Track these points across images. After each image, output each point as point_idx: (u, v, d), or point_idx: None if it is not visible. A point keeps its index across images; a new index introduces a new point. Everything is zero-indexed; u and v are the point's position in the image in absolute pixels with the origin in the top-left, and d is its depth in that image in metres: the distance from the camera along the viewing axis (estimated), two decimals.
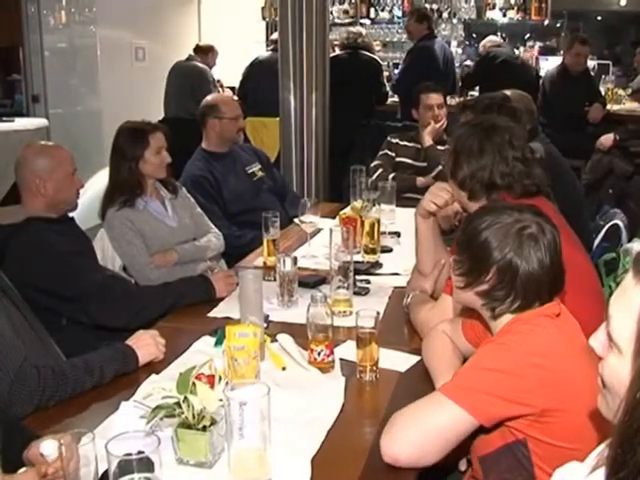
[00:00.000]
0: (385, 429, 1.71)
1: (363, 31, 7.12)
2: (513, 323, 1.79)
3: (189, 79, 7.37)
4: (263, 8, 8.72)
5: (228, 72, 8.08)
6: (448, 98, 5.23)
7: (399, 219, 3.66)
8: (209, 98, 4.35)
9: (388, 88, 7.18)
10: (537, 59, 8.02)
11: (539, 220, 1.81)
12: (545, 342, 1.72)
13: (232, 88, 7.80)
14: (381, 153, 4.70)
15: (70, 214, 3.00)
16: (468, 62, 8.12)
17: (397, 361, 2.27)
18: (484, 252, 1.80)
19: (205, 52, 7.76)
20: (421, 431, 1.66)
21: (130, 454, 1.43)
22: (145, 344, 2.27)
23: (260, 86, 6.74)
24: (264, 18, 8.78)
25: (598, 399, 1.15)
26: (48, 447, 1.53)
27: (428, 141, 4.54)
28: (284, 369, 2.21)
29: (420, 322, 2.43)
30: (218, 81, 7.85)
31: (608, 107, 6.83)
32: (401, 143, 4.68)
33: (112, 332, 2.69)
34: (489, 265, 1.79)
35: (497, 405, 1.66)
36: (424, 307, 2.45)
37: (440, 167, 4.36)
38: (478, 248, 1.82)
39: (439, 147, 4.55)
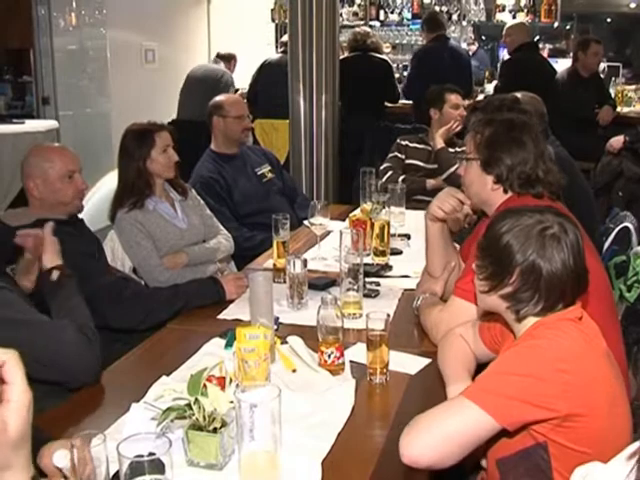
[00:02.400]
0: (405, 430, 1.69)
1: (370, 31, 7.12)
2: (537, 327, 1.78)
3: (210, 80, 7.37)
4: (272, 10, 8.73)
5: (238, 74, 8.10)
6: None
7: (409, 221, 3.67)
8: (216, 98, 4.36)
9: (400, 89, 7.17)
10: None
11: (561, 220, 1.80)
12: (569, 347, 1.71)
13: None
14: (391, 155, 4.69)
15: (80, 215, 3.01)
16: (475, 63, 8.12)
17: (407, 363, 2.27)
18: (507, 255, 1.79)
19: (229, 59, 7.80)
20: (442, 433, 1.65)
21: (141, 456, 1.43)
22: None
23: (270, 88, 6.74)
24: (273, 20, 8.79)
25: None
26: (61, 459, 1.53)
27: (440, 143, 4.53)
28: (294, 371, 2.21)
29: (430, 324, 2.43)
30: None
31: (618, 109, 6.81)
32: (411, 145, 4.67)
33: (122, 333, 2.70)
34: (512, 268, 1.78)
35: (521, 409, 1.65)
36: (434, 309, 2.45)
37: (452, 169, 4.35)
38: (500, 252, 1.81)
39: (450, 149, 4.55)
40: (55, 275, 2.36)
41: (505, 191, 2.46)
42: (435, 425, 1.66)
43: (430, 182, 4.48)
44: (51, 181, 2.82)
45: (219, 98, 4.35)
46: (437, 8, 8.02)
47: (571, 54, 7.29)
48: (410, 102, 6.89)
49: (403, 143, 4.69)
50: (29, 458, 1.12)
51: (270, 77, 6.88)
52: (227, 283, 2.87)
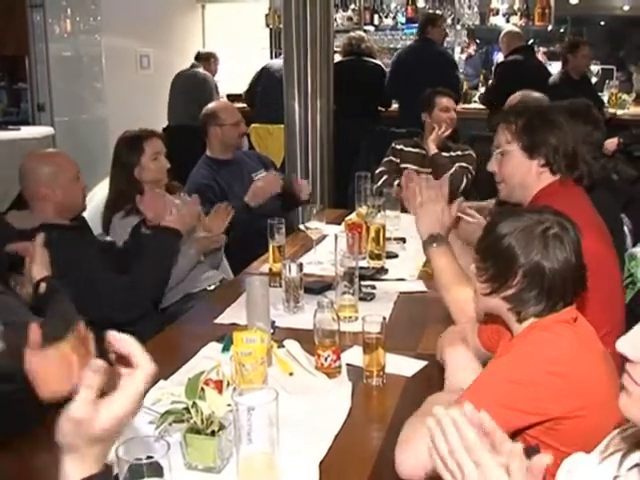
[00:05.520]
0: (399, 444, 1.69)
1: (365, 36, 7.13)
2: (532, 329, 1.79)
3: (193, 87, 7.37)
4: (267, 15, 8.74)
5: (232, 79, 8.12)
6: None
7: (404, 225, 3.68)
8: (209, 107, 4.37)
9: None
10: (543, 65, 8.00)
11: (560, 219, 1.80)
12: (562, 349, 1.72)
13: (238, 95, 7.79)
14: (385, 160, 4.70)
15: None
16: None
17: (403, 366, 2.28)
18: (509, 257, 1.79)
19: (207, 59, 7.78)
20: None
21: (140, 459, 1.44)
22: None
23: (270, 93, 6.74)
24: (268, 25, 8.80)
25: (626, 404, 1.15)
26: None
27: (432, 149, 4.54)
28: (291, 374, 2.22)
29: (457, 299, 2.34)
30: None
31: (612, 111, 6.84)
32: (406, 149, 4.68)
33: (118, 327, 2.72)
34: (516, 269, 1.79)
35: (517, 418, 1.66)
36: (466, 287, 2.29)
37: (448, 174, 4.35)
38: (502, 254, 1.81)
39: (444, 154, 4.56)
40: (42, 288, 2.38)
41: (553, 173, 2.46)
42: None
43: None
44: (65, 184, 2.92)
45: (212, 106, 4.36)
46: (431, 12, 8.02)
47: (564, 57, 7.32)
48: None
49: (398, 147, 4.70)
50: (101, 457, 1.15)
51: (270, 82, 6.90)
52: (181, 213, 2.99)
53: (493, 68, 7.53)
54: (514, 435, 1.71)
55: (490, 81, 7.42)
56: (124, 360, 1.12)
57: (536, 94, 4.06)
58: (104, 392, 1.11)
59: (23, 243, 2.54)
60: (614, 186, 3.64)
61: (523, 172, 2.49)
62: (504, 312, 1.87)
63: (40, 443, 1.67)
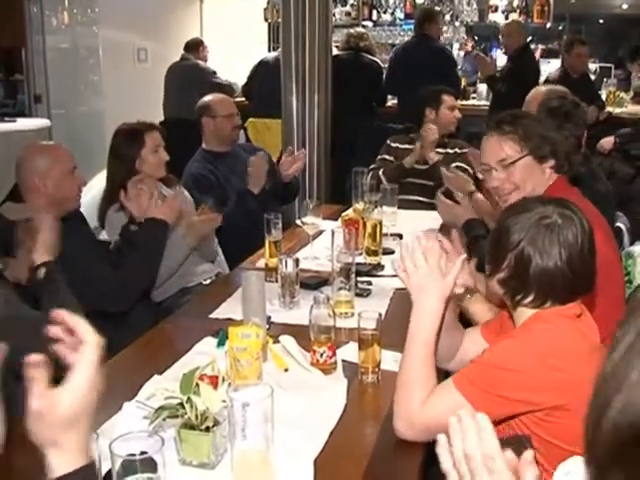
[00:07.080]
0: (399, 405, 1.79)
1: (364, 33, 7.08)
2: (534, 320, 1.81)
3: (187, 79, 7.32)
4: (265, 9, 8.73)
5: (230, 73, 8.09)
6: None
7: (401, 221, 3.68)
8: (204, 99, 4.37)
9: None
10: (539, 62, 7.99)
11: (563, 212, 1.80)
12: (562, 344, 1.73)
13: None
14: (380, 157, 4.66)
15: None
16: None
17: (399, 363, 2.27)
18: (502, 240, 1.83)
19: (196, 48, 7.70)
20: (430, 418, 1.71)
21: (134, 454, 1.43)
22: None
23: (267, 86, 6.72)
24: (266, 19, 8.79)
25: None
26: None
27: (433, 158, 4.45)
28: (286, 370, 2.22)
29: None
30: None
31: (610, 109, 6.83)
32: (401, 147, 4.63)
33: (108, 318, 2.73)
34: (505, 252, 1.82)
35: (508, 406, 1.68)
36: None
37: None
38: (499, 236, 1.85)
39: (439, 150, 4.51)
40: (42, 273, 2.38)
41: (557, 171, 2.55)
42: (425, 410, 1.73)
43: (407, 160, 4.46)
44: (59, 178, 2.88)
45: (206, 99, 4.36)
46: (427, 7, 8.00)
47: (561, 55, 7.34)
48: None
49: (393, 145, 4.66)
50: (83, 444, 1.18)
51: (268, 76, 6.88)
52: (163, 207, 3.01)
53: (500, 70, 7.37)
54: (503, 422, 1.72)
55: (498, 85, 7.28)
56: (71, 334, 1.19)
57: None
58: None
59: (30, 222, 2.54)
60: (602, 186, 3.65)
61: (535, 177, 2.54)
62: (503, 296, 1.90)
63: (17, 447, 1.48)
